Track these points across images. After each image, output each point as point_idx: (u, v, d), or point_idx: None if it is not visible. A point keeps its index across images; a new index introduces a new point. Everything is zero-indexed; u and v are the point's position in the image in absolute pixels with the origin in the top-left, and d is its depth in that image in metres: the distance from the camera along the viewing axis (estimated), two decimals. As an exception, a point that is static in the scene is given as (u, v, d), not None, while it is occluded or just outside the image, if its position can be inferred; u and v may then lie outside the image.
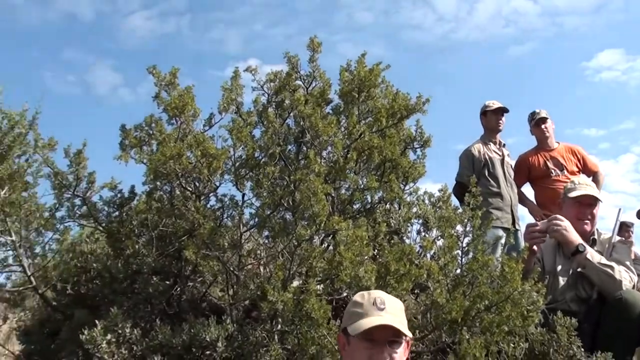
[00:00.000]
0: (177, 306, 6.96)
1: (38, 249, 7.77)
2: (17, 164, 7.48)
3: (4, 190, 7.27)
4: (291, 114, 7.21)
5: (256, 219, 6.76)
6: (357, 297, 2.82)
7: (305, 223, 6.30)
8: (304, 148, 7.07)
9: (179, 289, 7.00)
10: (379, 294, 2.79)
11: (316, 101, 7.13)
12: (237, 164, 6.67)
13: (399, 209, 7.59)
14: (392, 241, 6.76)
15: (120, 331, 6.14)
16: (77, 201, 7.61)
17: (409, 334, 2.74)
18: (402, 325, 2.72)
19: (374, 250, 6.64)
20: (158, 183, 7.20)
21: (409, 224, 7.61)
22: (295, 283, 6.33)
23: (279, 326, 6.35)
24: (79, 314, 6.87)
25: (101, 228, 7.69)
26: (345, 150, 6.97)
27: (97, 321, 6.15)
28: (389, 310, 2.74)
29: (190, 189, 6.99)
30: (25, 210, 7.40)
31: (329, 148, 7.00)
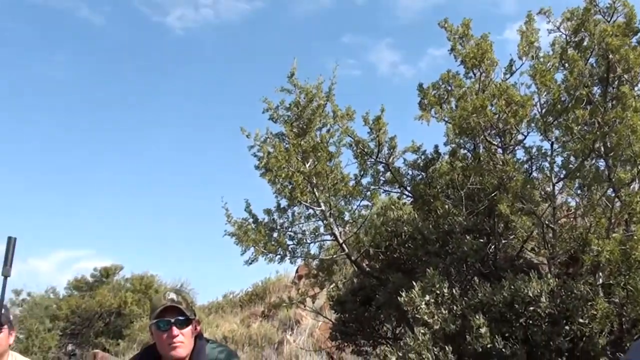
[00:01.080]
0: (492, 264, 7.04)
1: (347, 217, 8.20)
2: (319, 135, 7.96)
3: (309, 162, 7.75)
4: (593, 53, 6.96)
5: (564, 171, 6.67)
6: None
7: (621, 169, 6.12)
8: (610, 88, 6.81)
9: (492, 246, 7.07)
10: None
11: (623, 32, 6.83)
12: (543, 110, 6.59)
13: None
14: None
15: (438, 292, 6.34)
16: (381, 167, 7.96)
17: None
18: None
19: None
20: (461, 141, 7.32)
21: None
22: (617, 232, 6.18)
23: (601, 280, 6.22)
24: (395, 278, 7.18)
25: (407, 192, 7.97)
26: (662, 82, 6.64)
27: (414, 283, 6.41)
28: None
29: (496, 143, 7.02)
30: (331, 179, 7.85)
31: (642, 81, 6.71)
